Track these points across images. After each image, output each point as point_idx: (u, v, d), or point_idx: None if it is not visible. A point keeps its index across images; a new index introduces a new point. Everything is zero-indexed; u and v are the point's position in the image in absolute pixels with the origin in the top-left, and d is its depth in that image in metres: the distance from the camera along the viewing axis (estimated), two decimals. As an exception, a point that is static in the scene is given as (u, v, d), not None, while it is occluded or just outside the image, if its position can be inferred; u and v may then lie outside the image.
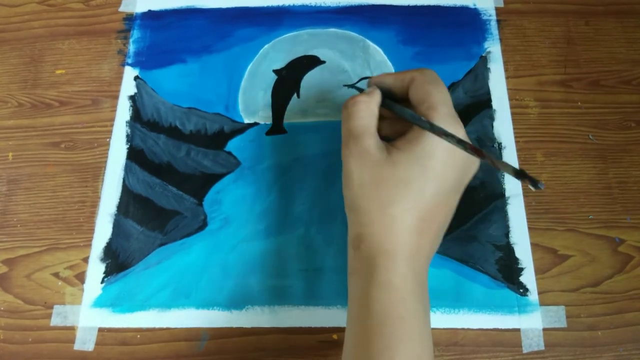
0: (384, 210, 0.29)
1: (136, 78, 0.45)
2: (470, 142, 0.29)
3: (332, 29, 0.46)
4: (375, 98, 0.32)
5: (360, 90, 0.37)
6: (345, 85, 0.43)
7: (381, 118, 0.35)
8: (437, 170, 0.29)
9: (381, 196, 0.29)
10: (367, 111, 0.31)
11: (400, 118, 0.32)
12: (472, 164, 0.31)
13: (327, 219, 0.39)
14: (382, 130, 0.35)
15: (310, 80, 0.44)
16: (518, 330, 0.36)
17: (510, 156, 0.41)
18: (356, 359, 0.28)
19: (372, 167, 0.30)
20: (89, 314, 0.38)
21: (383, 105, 0.33)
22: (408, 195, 0.29)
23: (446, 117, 0.29)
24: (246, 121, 0.43)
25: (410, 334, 0.27)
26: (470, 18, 0.46)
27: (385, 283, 0.28)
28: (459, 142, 0.27)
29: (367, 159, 0.30)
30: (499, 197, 0.39)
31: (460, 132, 0.29)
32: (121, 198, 0.41)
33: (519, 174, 0.23)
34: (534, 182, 0.23)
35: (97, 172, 0.42)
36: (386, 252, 0.29)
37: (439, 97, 0.30)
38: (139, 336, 0.37)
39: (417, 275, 0.29)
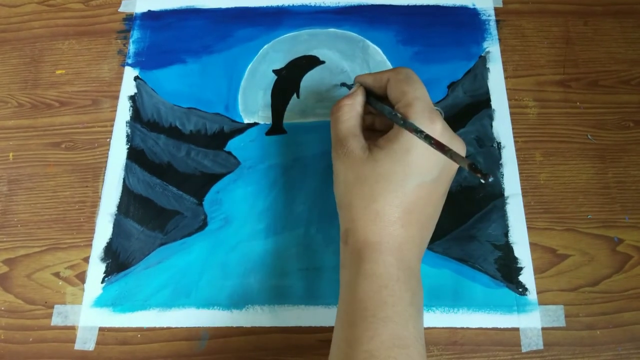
0: (368, 206, 0.30)
1: (136, 78, 0.45)
2: (451, 132, 0.31)
3: (332, 29, 0.46)
4: (358, 99, 0.34)
5: (350, 88, 0.38)
6: (341, 85, 0.43)
7: (374, 114, 0.37)
8: (417, 164, 0.30)
9: (364, 193, 0.31)
10: (350, 113, 0.34)
11: (382, 115, 0.34)
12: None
13: (327, 218, 0.39)
14: (376, 126, 0.37)
15: (310, 80, 0.44)
16: (517, 329, 0.36)
17: (510, 156, 0.41)
18: (343, 341, 0.29)
19: (356, 166, 0.31)
20: (89, 313, 0.38)
21: (367, 102, 0.35)
22: (390, 190, 0.30)
23: (422, 112, 0.30)
24: (246, 121, 0.43)
25: (393, 316, 0.28)
26: (470, 18, 0.46)
27: (370, 272, 0.29)
28: (426, 137, 0.28)
29: (351, 159, 0.32)
30: (498, 197, 0.40)
31: (437, 125, 0.30)
32: (121, 198, 0.41)
33: (471, 167, 0.25)
34: (484, 175, 0.24)
35: (97, 172, 0.42)
36: (372, 245, 0.30)
37: (414, 94, 0.31)
38: (139, 336, 0.37)
39: (404, 264, 0.30)
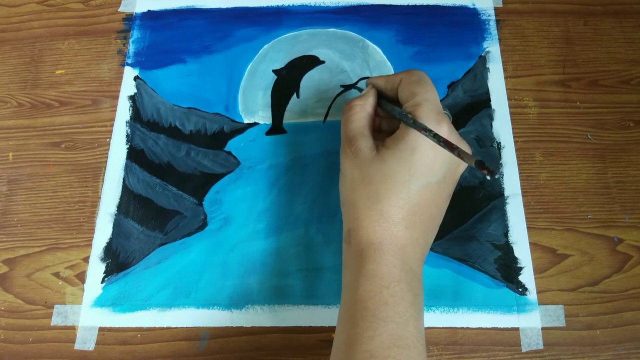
0: (373, 206, 0.30)
1: (136, 78, 0.45)
2: (457, 135, 0.31)
3: (332, 29, 0.46)
4: (370, 100, 0.35)
5: (360, 90, 0.37)
6: (342, 86, 0.43)
7: (381, 117, 0.37)
8: (423, 164, 0.30)
9: (370, 192, 0.31)
10: (361, 114, 0.34)
11: (391, 116, 0.34)
12: None
13: (327, 218, 0.39)
14: (382, 127, 0.37)
15: (310, 80, 0.44)
16: (517, 329, 0.36)
17: (509, 156, 0.41)
18: (343, 341, 0.29)
19: (362, 165, 0.31)
20: (89, 313, 0.38)
21: (378, 104, 0.35)
22: (395, 190, 0.30)
23: (429, 113, 0.31)
24: (246, 121, 0.43)
25: (393, 317, 0.28)
26: (470, 18, 0.46)
27: (371, 272, 0.29)
28: (434, 136, 0.29)
29: (358, 158, 0.32)
30: (498, 197, 0.40)
31: (444, 127, 0.30)
32: (121, 198, 0.41)
33: (478, 164, 0.25)
34: (491, 172, 0.24)
35: (97, 172, 0.42)
36: (374, 245, 0.30)
37: (424, 95, 0.32)
38: (139, 336, 0.37)
39: (407, 265, 0.30)
